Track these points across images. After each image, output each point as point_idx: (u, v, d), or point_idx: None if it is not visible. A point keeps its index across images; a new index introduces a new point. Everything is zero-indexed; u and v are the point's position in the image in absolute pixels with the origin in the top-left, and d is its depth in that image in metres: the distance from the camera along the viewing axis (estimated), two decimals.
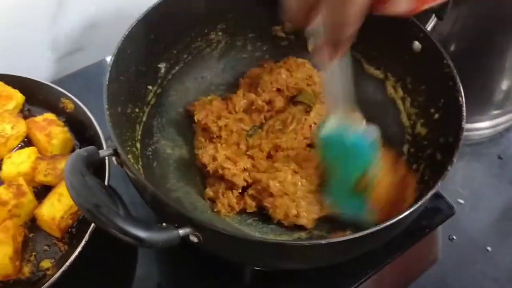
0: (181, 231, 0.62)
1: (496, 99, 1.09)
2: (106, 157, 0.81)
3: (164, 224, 0.63)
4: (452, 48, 1.00)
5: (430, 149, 0.85)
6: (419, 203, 0.67)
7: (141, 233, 0.59)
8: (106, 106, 0.74)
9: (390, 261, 0.88)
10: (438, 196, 0.96)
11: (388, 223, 0.64)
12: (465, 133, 1.11)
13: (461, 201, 1.02)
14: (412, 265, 0.93)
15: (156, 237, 0.60)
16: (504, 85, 1.06)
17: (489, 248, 0.96)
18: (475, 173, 1.08)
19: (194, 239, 0.64)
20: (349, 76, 0.70)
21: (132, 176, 0.71)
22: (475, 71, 1.02)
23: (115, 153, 0.71)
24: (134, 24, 0.84)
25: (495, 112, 1.12)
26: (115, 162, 0.73)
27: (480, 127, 1.14)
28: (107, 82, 0.77)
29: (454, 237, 0.96)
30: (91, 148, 0.69)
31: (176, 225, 0.63)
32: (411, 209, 0.66)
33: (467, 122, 1.11)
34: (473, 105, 1.09)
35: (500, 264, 0.94)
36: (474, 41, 1.01)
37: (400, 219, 0.65)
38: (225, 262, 0.86)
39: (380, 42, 0.95)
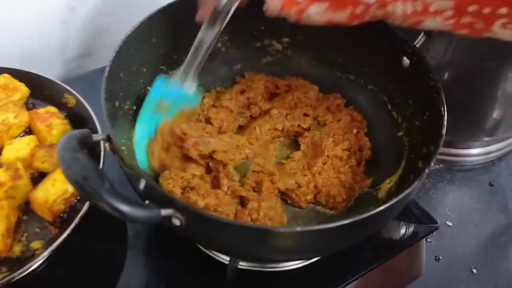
0: (164, 212, 0.64)
1: (487, 126, 1.10)
2: (102, 145, 0.85)
3: (147, 201, 0.65)
4: (446, 73, 1.02)
5: (413, 158, 0.87)
6: (394, 199, 0.68)
7: (124, 207, 0.61)
8: (104, 95, 0.77)
9: (370, 270, 0.90)
10: (421, 210, 0.98)
11: (368, 214, 0.65)
12: (457, 159, 1.14)
13: (449, 223, 1.03)
14: (393, 277, 0.94)
15: (138, 213, 0.62)
16: (496, 113, 1.07)
17: (474, 270, 0.96)
18: (465, 198, 1.09)
19: (176, 222, 0.66)
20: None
21: (121, 157, 0.73)
22: (467, 96, 1.04)
23: (108, 138, 0.74)
24: (137, 25, 0.88)
25: (487, 139, 1.13)
26: (108, 148, 0.76)
27: (472, 153, 1.15)
28: (106, 75, 0.80)
29: (441, 258, 0.97)
30: (85, 130, 0.73)
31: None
32: (393, 201, 0.68)
33: (459, 147, 1.14)
34: (464, 130, 1.11)
35: (484, 286, 0.94)
36: (466, 66, 1.02)
37: (379, 211, 0.66)
38: (213, 259, 0.88)
39: (371, 59, 0.98)
